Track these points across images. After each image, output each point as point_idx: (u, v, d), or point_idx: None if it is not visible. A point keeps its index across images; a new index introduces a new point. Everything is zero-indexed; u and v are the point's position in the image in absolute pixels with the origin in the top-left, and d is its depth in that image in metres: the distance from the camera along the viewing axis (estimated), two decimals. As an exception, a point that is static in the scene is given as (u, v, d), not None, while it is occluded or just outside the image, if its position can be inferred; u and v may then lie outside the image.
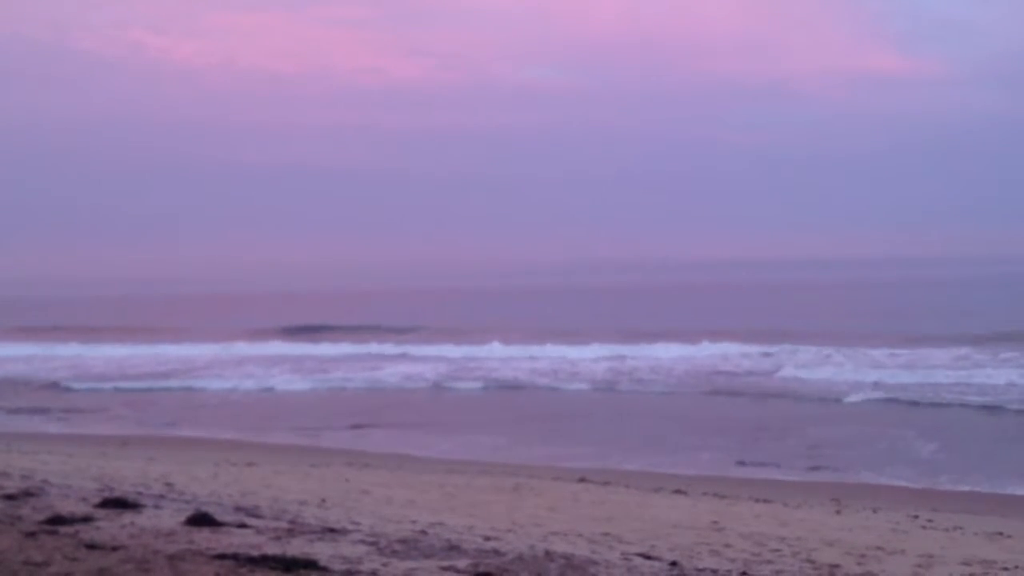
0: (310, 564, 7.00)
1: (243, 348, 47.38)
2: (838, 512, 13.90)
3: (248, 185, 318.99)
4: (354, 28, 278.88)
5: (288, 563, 6.96)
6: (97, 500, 9.79)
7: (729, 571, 8.55)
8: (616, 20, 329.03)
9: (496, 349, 43.19)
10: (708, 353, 40.03)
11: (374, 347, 46.31)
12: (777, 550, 10.09)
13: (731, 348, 40.92)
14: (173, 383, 35.58)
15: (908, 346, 39.31)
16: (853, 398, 27.96)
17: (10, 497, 9.83)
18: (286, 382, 35.06)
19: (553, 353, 41.42)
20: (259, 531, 8.58)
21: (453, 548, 8.39)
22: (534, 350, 42.39)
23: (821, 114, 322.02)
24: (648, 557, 9.00)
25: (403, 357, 42.62)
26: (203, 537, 8.03)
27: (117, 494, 10.43)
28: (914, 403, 26.98)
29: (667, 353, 39.99)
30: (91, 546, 7.34)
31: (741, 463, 19.11)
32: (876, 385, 29.84)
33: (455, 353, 42.46)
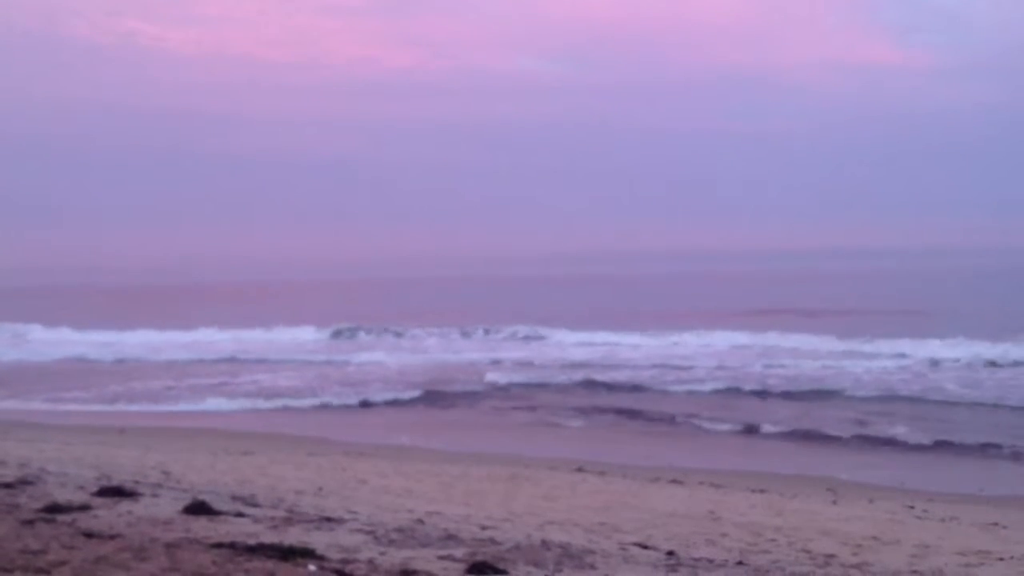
0: (307, 553, 7.01)
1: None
2: (834, 502, 13.93)
3: (240, 175, 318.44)
4: (348, 17, 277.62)
5: (285, 552, 6.97)
6: (95, 488, 9.81)
7: (725, 560, 8.58)
8: (611, 10, 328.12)
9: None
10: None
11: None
12: (773, 539, 10.12)
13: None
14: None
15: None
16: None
17: (7, 485, 9.84)
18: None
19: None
20: (256, 520, 8.60)
21: (450, 537, 8.40)
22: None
23: (815, 104, 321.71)
24: (645, 547, 9.03)
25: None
26: (200, 526, 8.05)
27: (115, 483, 10.44)
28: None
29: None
30: (88, 534, 7.35)
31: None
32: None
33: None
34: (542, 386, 30.00)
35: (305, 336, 47.01)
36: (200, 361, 38.09)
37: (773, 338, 40.02)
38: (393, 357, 37.64)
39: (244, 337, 46.16)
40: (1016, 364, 31.74)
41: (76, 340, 46.17)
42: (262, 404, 26.99)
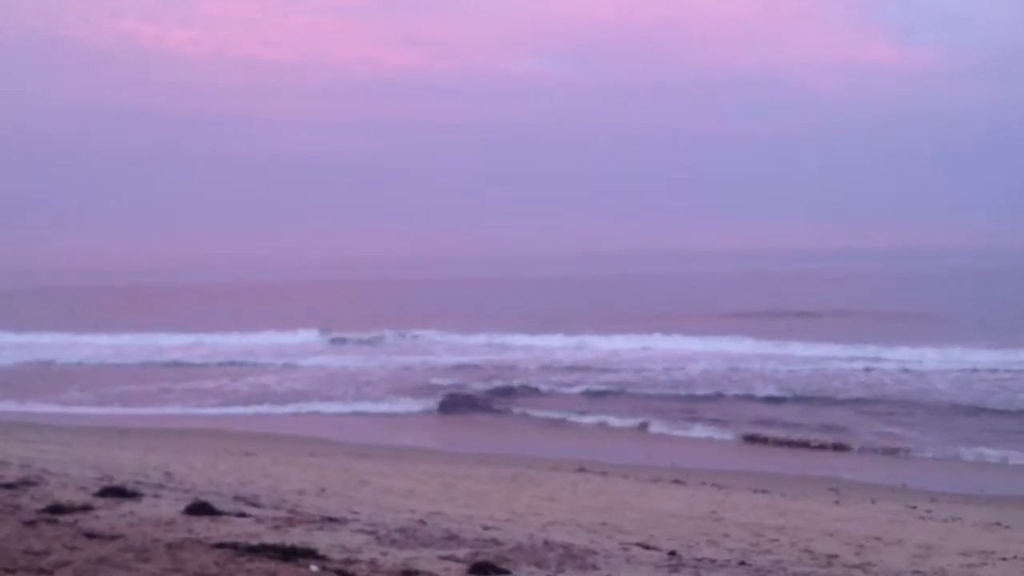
0: (309, 553, 7.00)
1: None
2: (836, 503, 13.93)
3: (240, 175, 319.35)
4: (348, 17, 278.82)
5: (287, 552, 6.96)
6: (96, 489, 9.79)
7: (728, 561, 8.56)
8: (612, 10, 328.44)
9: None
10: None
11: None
12: (775, 540, 10.11)
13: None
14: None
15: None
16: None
17: (9, 486, 9.82)
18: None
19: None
20: (258, 520, 8.59)
21: (452, 538, 8.39)
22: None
23: (815, 104, 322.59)
24: (647, 547, 9.02)
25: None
26: (202, 526, 8.04)
27: (116, 483, 10.43)
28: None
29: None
30: (90, 535, 7.34)
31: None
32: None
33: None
34: (537, 389, 29.96)
35: (302, 339, 47.03)
36: (199, 364, 38.19)
37: (769, 340, 39.98)
38: (392, 359, 37.76)
39: (242, 340, 46.37)
40: (1016, 367, 31.66)
41: (75, 342, 46.29)
42: (261, 407, 27.10)
